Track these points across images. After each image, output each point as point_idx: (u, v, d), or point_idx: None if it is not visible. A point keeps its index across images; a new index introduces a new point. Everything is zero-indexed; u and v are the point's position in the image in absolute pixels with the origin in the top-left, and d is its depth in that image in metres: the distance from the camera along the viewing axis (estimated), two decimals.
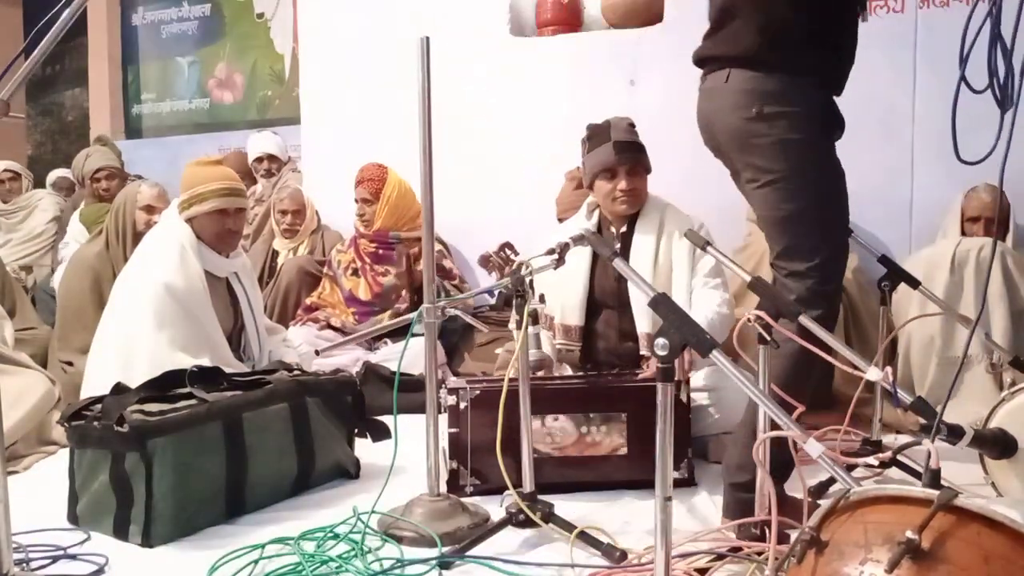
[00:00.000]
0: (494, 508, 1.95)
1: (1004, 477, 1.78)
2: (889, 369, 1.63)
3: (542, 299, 1.88)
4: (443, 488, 1.96)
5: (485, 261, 3.21)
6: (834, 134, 1.89)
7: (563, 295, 2.48)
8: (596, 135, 2.49)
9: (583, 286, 2.48)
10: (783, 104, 1.80)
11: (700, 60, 1.96)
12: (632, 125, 2.52)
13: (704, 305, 2.35)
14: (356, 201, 3.65)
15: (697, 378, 2.33)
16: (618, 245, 2.50)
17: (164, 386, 2.04)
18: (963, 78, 1.37)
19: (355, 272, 3.60)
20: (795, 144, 1.80)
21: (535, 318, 1.84)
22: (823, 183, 1.81)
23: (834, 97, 1.91)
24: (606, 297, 2.49)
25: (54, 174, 6.01)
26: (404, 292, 3.52)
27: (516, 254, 3.37)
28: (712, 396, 2.31)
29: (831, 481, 2.01)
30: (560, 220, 3.19)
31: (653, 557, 1.33)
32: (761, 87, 1.82)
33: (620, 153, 2.43)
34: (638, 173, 2.48)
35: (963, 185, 2.94)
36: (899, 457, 2.13)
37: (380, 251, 3.60)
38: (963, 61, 1.38)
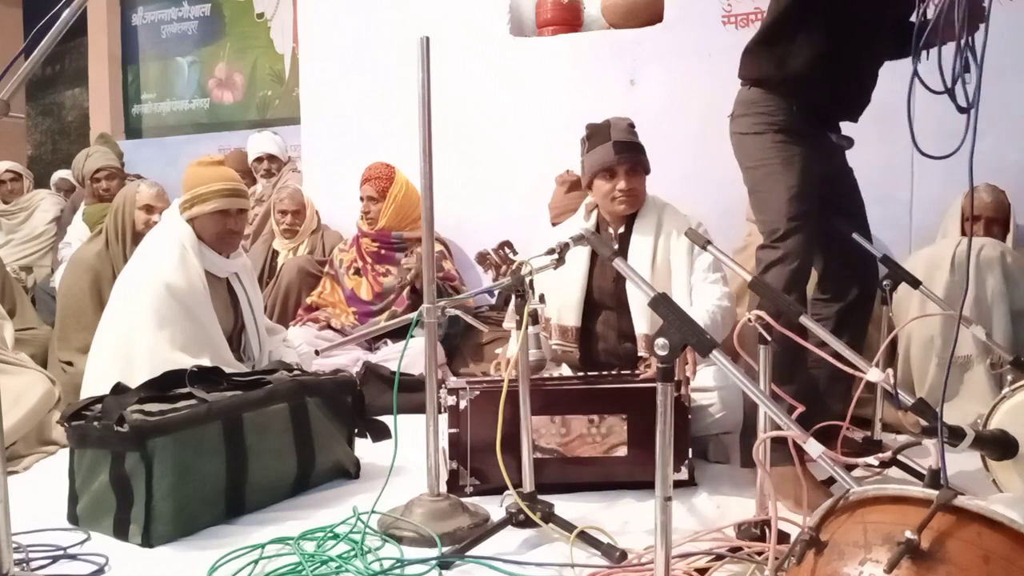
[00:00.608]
0: (494, 508, 1.95)
1: (1006, 475, 1.77)
2: (890, 371, 1.63)
3: (542, 299, 1.87)
4: (443, 488, 1.96)
5: (482, 259, 3.20)
6: (803, 138, 2.24)
7: (560, 296, 2.47)
8: (595, 135, 2.49)
9: (580, 287, 2.48)
10: (747, 108, 2.31)
11: None
12: (632, 125, 2.51)
13: (705, 299, 2.35)
14: (361, 199, 3.65)
15: (697, 378, 2.32)
16: (616, 246, 2.50)
17: (164, 386, 2.04)
18: (916, 74, 1.46)
19: (357, 271, 3.60)
20: (747, 138, 2.30)
21: (535, 318, 1.84)
22: (770, 168, 2.22)
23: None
24: (605, 298, 2.49)
25: (57, 175, 6.02)
26: (404, 292, 3.52)
27: (515, 253, 3.37)
28: (712, 396, 2.31)
29: (831, 481, 2.01)
30: (554, 225, 3.18)
31: (653, 557, 1.33)
32: (739, 97, 2.36)
33: (620, 153, 2.43)
34: (637, 173, 2.47)
35: (963, 185, 2.91)
36: (899, 457, 2.13)
37: (382, 251, 3.60)
38: (915, 56, 1.46)
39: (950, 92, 1.51)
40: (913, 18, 1.61)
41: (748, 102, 2.31)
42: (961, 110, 1.64)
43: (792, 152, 2.22)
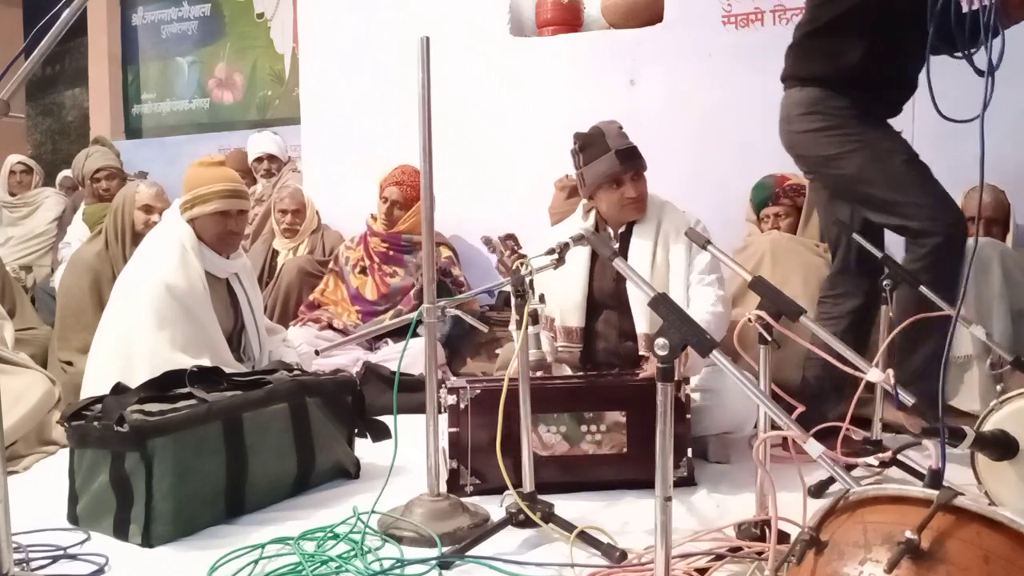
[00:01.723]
0: (494, 508, 1.95)
1: (997, 485, 1.76)
2: (891, 371, 1.63)
3: (542, 299, 1.87)
4: (443, 488, 1.96)
5: (487, 241, 3.23)
6: (877, 121, 2.37)
7: (562, 297, 2.47)
8: (591, 144, 2.45)
9: (582, 288, 2.47)
10: (810, 107, 2.37)
11: None
12: (621, 127, 2.50)
13: (698, 305, 2.34)
14: (383, 198, 3.62)
15: (697, 378, 2.33)
16: (616, 245, 2.49)
17: (164, 386, 2.04)
18: (930, 37, 1.46)
19: (363, 271, 3.60)
20: (820, 134, 2.36)
21: (535, 318, 1.83)
22: (867, 149, 2.32)
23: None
24: (605, 298, 2.48)
25: (62, 174, 6.02)
26: (411, 292, 3.50)
27: (519, 247, 3.38)
28: (712, 396, 2.31)
29: (831, 480, 2.01)
30: None
31: (653, 557, 1.33)
32: (794, 99, 2.42)
33: (624, 162, 2.41)
34: (641, 177, 2.47)
35: (963, 185, 2.94)
36: (899, 457, 2.12)
37: (390, 252, 3.59)
38: (931, 18, 1.46)
39: (968, 57, 1.54)
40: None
41: (810, 101, 2.34)
42: (980, 73, 1.67)
43: (879, 133, 2.31)
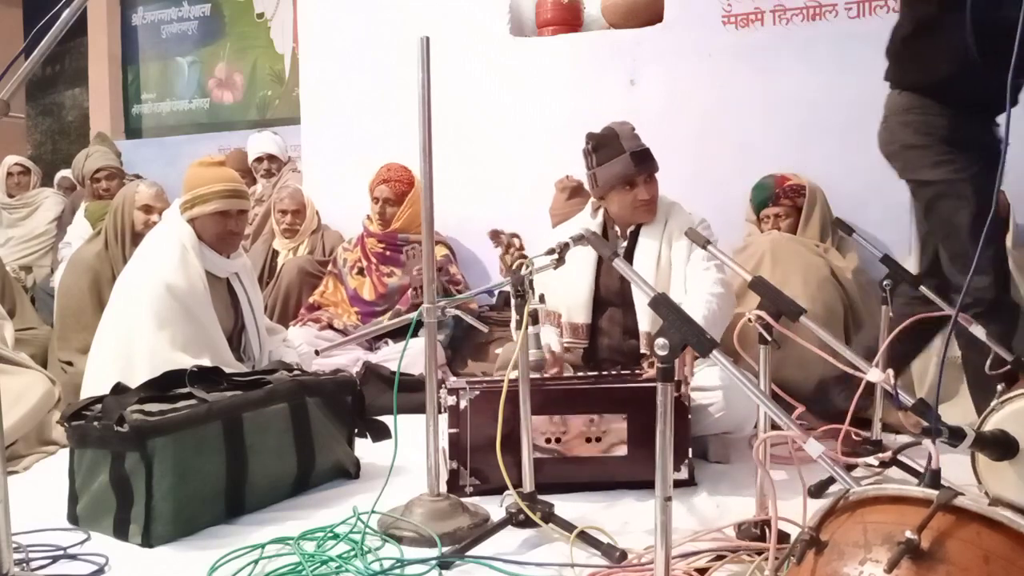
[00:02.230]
0: (494, 508, 1.95)
1: (997, 485, 1.76)
2: (891, 371, 1.63)
3: (542, 299, 1.87)
4: (443, 488, 1.96)
5: (495, 235, 3.25)
6: (970, 145, 2.21)
7: (569, 294, 2.48)
8: (605, 145, 2.46)
9: (589, 285, 2.48)
10: (904, 116, 2.28)
11: None
12: (633, 129, 2.50)
13: (699, 288, 2.34)
14: (375, 199, 3.62)
15: (697, 377, 2.32)
16: (625, 243, 2.50)
17: (164, 386, 2.04)
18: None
19: (361, 271, 3.60)
20: (912, 151, 2.30)
21: (535, 318, 1.83)
22: (951, 195, 2.24)
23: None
24: (611, 295, 2.49)
25: (60, 174, 6.02)
26: (408, 292, 3.50)
27: (522, 247, 3.39)
28: (712, 396, 2.31)
29: (831, 480, 2.01)
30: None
31: (653, 557, 1.33)
32: (893, 102, 2.33)
33: (639, 164, 2.42)
34: (653, 180, 2.48)
35: None
36: (899, 457, 2.12)
37: (387, 252, 3.59)
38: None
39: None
40: None
41: (908, 107, 2.24)
42: None
43: (964, 175, 2.16)
